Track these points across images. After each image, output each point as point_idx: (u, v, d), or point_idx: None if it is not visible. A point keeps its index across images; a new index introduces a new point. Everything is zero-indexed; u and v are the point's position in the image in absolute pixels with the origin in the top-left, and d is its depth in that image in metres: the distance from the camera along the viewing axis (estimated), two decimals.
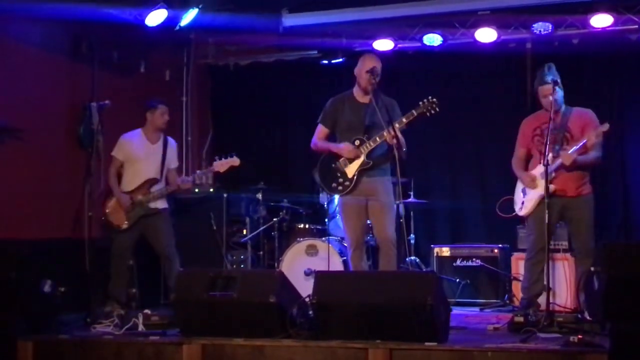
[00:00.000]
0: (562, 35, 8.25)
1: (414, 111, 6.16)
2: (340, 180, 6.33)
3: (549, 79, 6.29)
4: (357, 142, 6.28)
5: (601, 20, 7.90)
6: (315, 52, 9.19)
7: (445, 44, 8.54)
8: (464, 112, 8.81)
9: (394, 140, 6.01)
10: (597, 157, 6.30)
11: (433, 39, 8.53)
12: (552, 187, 6.09)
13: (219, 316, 5.32)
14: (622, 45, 8.08)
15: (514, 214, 6.66)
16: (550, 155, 6.11)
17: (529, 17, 8.15)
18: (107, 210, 7.14)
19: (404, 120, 6.17)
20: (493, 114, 8.73)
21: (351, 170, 6.30)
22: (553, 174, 6.16)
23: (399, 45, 8.65)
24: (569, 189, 6.26)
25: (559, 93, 6.31)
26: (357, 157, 6.27)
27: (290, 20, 8.69)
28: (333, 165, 6.37)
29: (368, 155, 6.25)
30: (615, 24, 7.92)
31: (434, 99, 6.14)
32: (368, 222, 6.53)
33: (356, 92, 6.44)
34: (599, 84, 8.40)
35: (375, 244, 6.61)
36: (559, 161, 6.19)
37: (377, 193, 6.26)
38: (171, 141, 7.45)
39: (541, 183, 6.12)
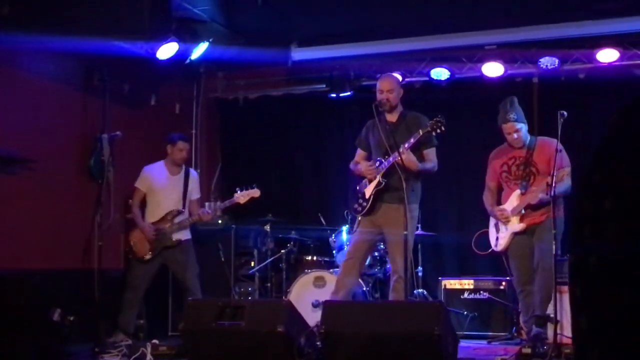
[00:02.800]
0: (569, 70, 8.32)
1: (420, 130, 6.17)
2: (360, 201, 6.39)
3: (511, 116, 6.30)
4: (377, 163, 6.33)
5: (607, 55, 7.97)
6: (324, 85, 9.27)
7: (453, 78, 8.62)
8: (471, 146, 8.85)
9: (399, 159, 6.03)
10: (565, 189, 6.23)
11: (440, 73, 8.61)
12: (522, 225, 6.20)
13: (227, 345, 5.34)
14: (628, 80, 8.12)
15: (490, 250, 6.70)
16: (518, 192, 6.17)
17: (536, 51, 8.22)
18: (131, 241, 7.22)
19: (412, 140, 6.15)
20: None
21: (368, 190, 6.34)
22: (522, 212, 6.24)
23: (407, 79, 8.72)
24: (534, 219, 6.30)
25: (523, 129, 6.35)
26: (375, 178, 6.31)
27: (298, 54, 8.81)
28: (357, 187, 6.47)
29: (383, 176, 6.27)
30: (621, 58, 8.00)
31: (440, 118, 6.14)
32: (376, 254, 6.55)
33: (385, 114, 6.45)
34: (605, 118, 8.43)
35: (384, 277, 6.62)
36: (526, 200, 6.23)
37: (391, 225, 6.21)
38: (193, 172, 7.59)
39: (513, 220, 6.22)
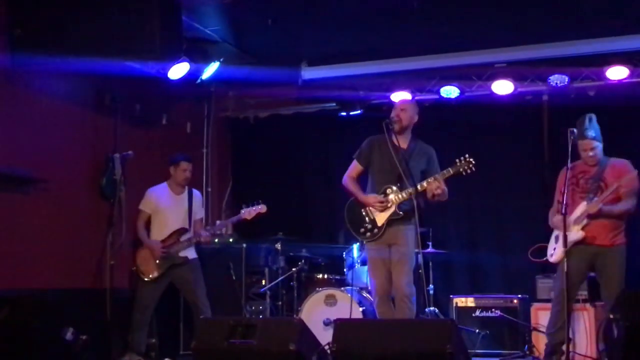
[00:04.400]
0: (579, 88, 8.33)
1: (450, 169, 6.18)
2: (369, 226, 6.35)
3: (589, 134, 6.29)
4: (388, 191, 6.32)
5: (617, 73, 7.98)
6: (334, 104, 9.32)
7: (462, 96, 8.64)
8: (481, 163, 8.79)
9: (438, 191, 6.05)
10: (627, 207, 6.22)
11: (450, 91, 8.63)
12: (581, 234, 6.10)
13: None
14: (638, 97, 8.12)
15: (544, 259, 6.62)
16: (584, 203, 6.13)
17: (545, 69, 8.24)
18: (137, 261, 7.25)
19: (439, 177, 6.17)
20: (510, 165, 8.77)
21: (381, 219, 6.32)
22: (585, 222, 6.16)
23: (416, 97, 8.72)
24: (600, 237, 6.20)
25: (599, 147, 6.32)
26: (387, 207, 6.31)
27: (309, 73, 8.84)
28: (363, 211, 6.40)
29: (399, 206, 6.29)
30: (631, 76, 8.01)
31: (471, 159, 6.15)
32: None
33: (394, 136, 6.41)
34: (616, 136, 8.40)
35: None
36: (587, 210, 6.19)
37: (399, 242, 6.25)
38: (196, 193, 7.63)
39: (573, 229, 6.13)
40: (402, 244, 6.24)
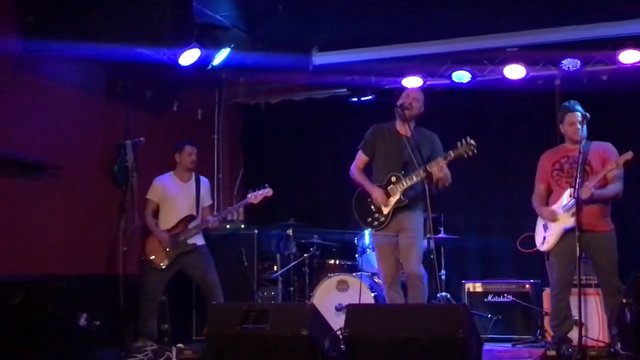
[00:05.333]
0: (591, 72, 8.29)
1: (451, 152, 6.18)
2: (376, 215, 6.38)
3: (577, 107, 6.33)
4: (393, 179, 6.33)
5: (630, 56, 7.93)
6: (345, 90, 9.30)
7: (474, 80, 8.61)
8: (493, 149, 8.85)
9: (440, 175, 6.07)
10: (617, 191, 6.25)
11: (462, 76, 8.60)
12: (572, 220, 6.08)
13: (251, 349, 5.34)
14: None
15: (535, 248, 6.63)
16: (570, 189, 6.12)
17: (558, 53, 8.19)
18: (147, 250, 7.27)
19: (442, 162, 6.17)
20: (522, 150, 8.74)
21: (387, 208, 6.35)
22: (574, 209, 6.15)
23: (428, 83, 8.74)
24: (589, 224, 6.19)
25: (583, 126, 6.33)
26: (393, 193, 6.31)
27: (320, 58, 8.83)
28: (369, 199, 6.43)
29: (404, 193, 6.29)
30: None
31: (472, 141, 6.14)
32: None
33: (397, 123, 6.50)
34: (629, 120, 8.39)
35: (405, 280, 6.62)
36: (592, 185, 6.16)
37: (406, 228, 6.29)
38: (203, 180, 7.63)
39: (562, 217, 6.12)
40: (409, 229, 6.27)
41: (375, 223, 6.39)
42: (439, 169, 6.09)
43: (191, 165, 7.51)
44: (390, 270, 6.40)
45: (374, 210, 6.40)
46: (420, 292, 6.23)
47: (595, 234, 6.22)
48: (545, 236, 6.42)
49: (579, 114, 6.32)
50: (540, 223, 6.54)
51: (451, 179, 6.27)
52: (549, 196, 6.52)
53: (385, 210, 6.34)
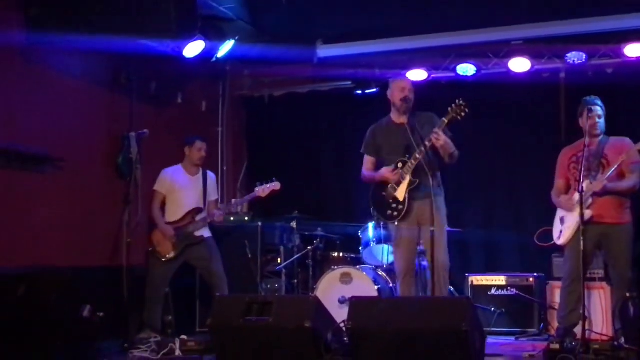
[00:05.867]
0: (596, 65, 8.26)
1: (444, 119, 6.18)
2: (394, 205, 6.36)
3: (597, 102, 6.34)
4: (400, 164, 6.32)
5: (635, 50, 7.90)
6: (349, 82, 9.30)
7: (479, 74, 8.59)
8: (498, 142, 8.84)
9: (440, 142, 6.08)
10: (632, 184, 6.22)
11: (467, 69, 8.58)
12: (588, 212, 6.05)
13: (254, 341, 5.36)
14: None
15: (552, 242, 6.61)
16: (587, 182, 6.10)
17: (563, 47, 8.16)
18: (154, 242, 7.28)
19: (437, 130, 6.15)
20: (527, 143, 8.73)
21: (401, 193, 6.32)
22: (590, 200, 6.13)
23: (433, 76, 8.72)
24: (606, 216, 6.17)
25: (602, 119, 6.34)
26: (403, 178, 6.30)
27: (324, 51, 8.81)
28: (383, 193, 6.41)
29: (413, 174, 6.28)
30: None
31: (462, 102, 6.15)
32: (419, 248, 6.55)
33: (393, 115, 6.54)
34: (634, 114, 8.36)
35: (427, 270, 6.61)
36: (592, 188, 6.16)
37: (428, 222, 6.12)
38: (210, 174, 7.65)
39: (578, 208, 6.07)
40: (433, 221, 6.08)
41: (395, 213, 6.35)
42: (437, 137, 6.08)
43: (199, 162, 7.53)
44: (407, 263, 6.40)
45: (391, 201, 6.36)
46: (445, 285, 6.27)
47: (611, 226, 6.20)
48: (562, 230, 6.40)
49: (598, 108, 6.33)
50: (558, 216, 6.51)
51: (455, 148, 6.28)
52: (568, 192, 6.50)
53: (401, 196, 6.31)
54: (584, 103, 6.40)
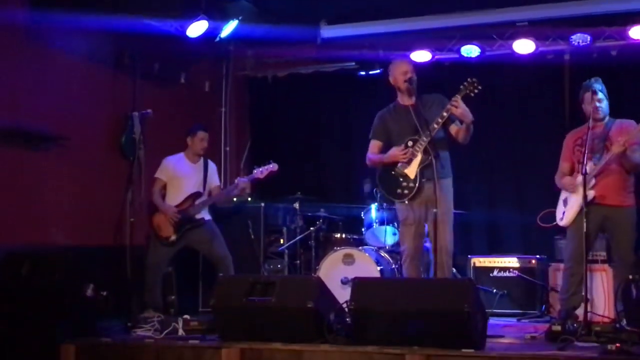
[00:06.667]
0: (601, 47, 8.23)
1: (457, 95, 6.08)
2: (404, 184, 6.25)
3: (596, 86, 6.27)
4: (410, 143, 6.23)
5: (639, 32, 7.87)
6: (353, 63, 9.27)
7: (483, 55, 8.56)
8: (502, 124, 8.82)
9: (459, 111, 6.02)
10: (638, 163, 6.19)
11: (471, 51, 8.55)
12: (591, 193, 6.05)
13: (257, 321, 5.38)
14: None
15: (554, 223, 6.61)
16: (591, 163, 6.08)
17: (567, 28, 8.14)
18: (154, 225, 7.29)
19: (449, 107, 6.09)
20: (530, 125, 8.72)
21: (412, 171, 6.22)
22: (593, 181, 6.12)
23: (437, 57, 8.70)
24: (609, 197, 6.16)
25: (604, 102, 6.30)
26: (414, 156, 6.23)
27: (328, 32, 8.80)
28: (392, 172, 6.31)
29: (425, 152, 6.21)
30: None
31: (474, 79, 6.09)
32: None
33: (400, 97, 6.45)
34: (639, 95, 8.34)
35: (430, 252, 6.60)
36: (598, 167, 6.15)
37: (436, 202, 6.04)
38: (211, 163, 7.66)
39: (581, 190, 6.05)
40: (440, 203, 6.04)
41: (406, 191, 6.24)
42: (457, 105, 6.01)
43: (201, 152, 7.51)
44: (414, 243, 6.32)
45: (401, 179, 6.26)
46: (448, 269, 6.18)
47: (614, 208, 6.18)
48: (565, 211, 6.39)
49: (599, 91, 6.26)
50: (561, 198, 6.50)
51: (471, 115, 6.16)
52: (572, 175, 6.48)
53: (412, 174, 6.22)
54: (584, 87, 6.36)
